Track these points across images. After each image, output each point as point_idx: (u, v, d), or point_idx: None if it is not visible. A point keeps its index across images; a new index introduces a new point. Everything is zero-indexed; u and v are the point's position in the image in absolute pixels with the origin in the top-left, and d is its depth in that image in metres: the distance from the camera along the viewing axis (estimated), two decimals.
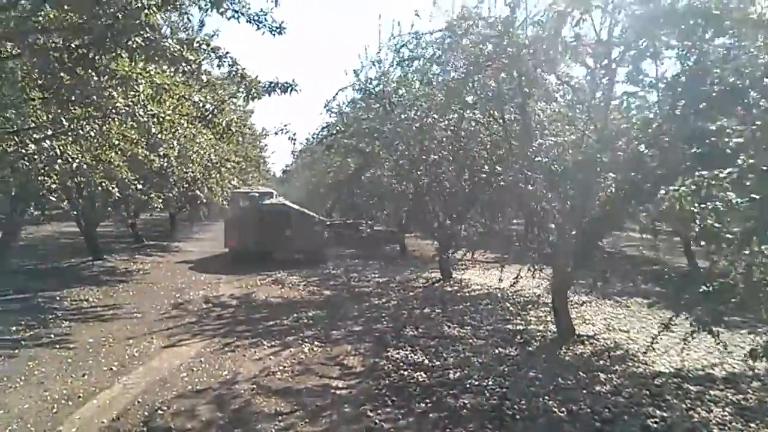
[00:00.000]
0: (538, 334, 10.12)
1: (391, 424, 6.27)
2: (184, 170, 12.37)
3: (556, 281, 9.71)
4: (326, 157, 16.73)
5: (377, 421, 6.30)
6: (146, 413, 6.43)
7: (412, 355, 8.77)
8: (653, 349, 7.81)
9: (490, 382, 7.54)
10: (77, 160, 6.47)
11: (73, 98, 5.49)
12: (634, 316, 12.01)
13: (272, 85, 6.10)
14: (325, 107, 16.03)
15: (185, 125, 7.57)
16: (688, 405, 6.78)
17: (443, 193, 13.98)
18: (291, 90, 6.25)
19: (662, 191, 3.82)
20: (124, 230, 26.13)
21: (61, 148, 5.97)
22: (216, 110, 6.40)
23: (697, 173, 3.57)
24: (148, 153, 9.21)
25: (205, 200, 21.02)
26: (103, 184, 7.45)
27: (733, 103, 7.47)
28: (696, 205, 3.51)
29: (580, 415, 6.48)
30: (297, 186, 41.50)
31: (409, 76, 14.32)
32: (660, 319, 11.70)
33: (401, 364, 8.32)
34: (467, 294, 14.01)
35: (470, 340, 9.67)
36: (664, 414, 6.48)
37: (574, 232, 9.08)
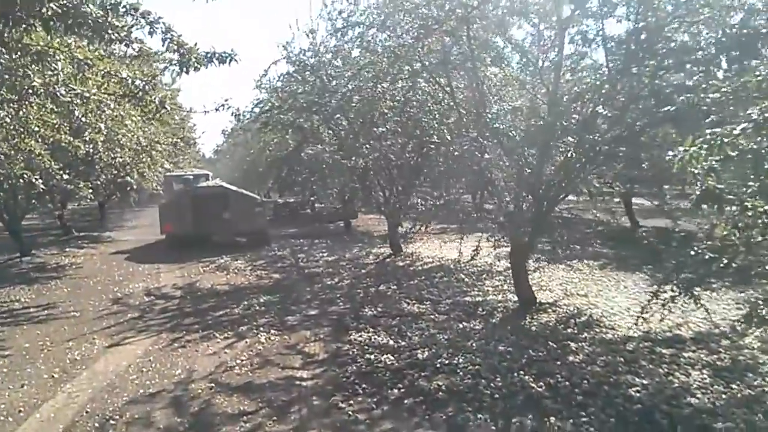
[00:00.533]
0: (499, 304, 9.93)
1: (365, 414, 5.88)
2: (112, 156, 11.51)
3: (514, 249, 9.50)
4: (263, 135, 16.01)
5: (350, 412, 5.90)
6: (97, 424, 5.83)
7: (376, 336, 8.40)
8: (643, 319, 7.60)
9: (461, 360, 7.26)
10: None
11: None
12: (588, 279, 12.04)
13: (210, 55, 5.50)
14: (257, 83, 15.34)
15: (112, 106, 6.84)
16: (665, 370, 6.67)
17: (389, 166, 13.61)
18: (230, 60, 5.66)
19: (671, 153, 3.53)
20: (50, 222, 24.72)
21: None
22: (147, 86, 5.73)
23: (708, 132, 3.28)
24: (72, 139, 8.41)
25: (135, 186, 19.99)
26: (25, 175, 6.62)
27: (685, 62, 7.37)
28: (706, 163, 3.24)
29: (559, 389, 6.26)
30: (230, 166, 40.44)
31: (346, 46, 13.81)
32: (615, 280, 11.88)
33: (366, 347, 7.94)
34: (420, 268, 13.75)
35: (432, 316, 9.39)
36: (644, 381, 6.33)
37: (530, 199, 8.89)
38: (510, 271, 12.62)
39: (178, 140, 18.39)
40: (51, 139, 7.84)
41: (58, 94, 4.44)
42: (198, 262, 15.67)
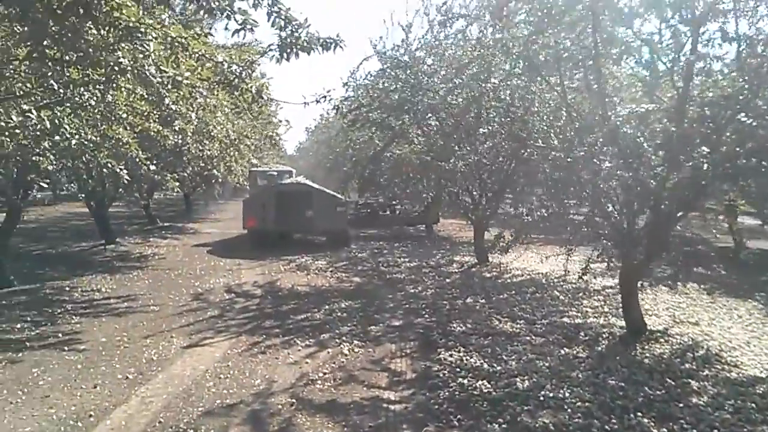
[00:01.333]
0: (602, 329, 9.00)
1: None
2: (200, 148, 11.23)
3: (626, 270, 8.54)
4: (351, 133, 15.55)
5: None
6: None
7: (468, 357, 7.67)
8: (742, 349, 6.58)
9: (567, 394, 6.45)
10: (77, 137, 5.29)
11: (67, 57, 4.33)
12: (697, 305, 10.89)
13: (315, 39, 4.92)
14: (348, 79, 14.90)
15: (204, 93, 6.41)
16: None
17: (482, 169, 12.84)
18: (335, 47, 5.09)
19: None
20: (136, 210, 25.19)
21: (57, 120, 4.83)
22: (244, 73, 5.24)
23: None
24: (161, 128, 8.10)
25: (220, 179, 19.97)
26: (110, 164, 6.27)
27: None
28: None
29: None
30: (312, 164, 40.44)
31: (444, 42, 13.15)
32: (726, 308, 10.71)
33: (457, 369, 7.23)
34: (509, 281, 12.89)
35: (527, 338, 8.57)
36: None
37: (649, 215, 7.93)
38: (609, 291, 11.78)
39: (269, 135, 17.99)
40: (139, 128, 7.55)
41: (149, 74, 3.96)
42: (278, 260, 15.36)
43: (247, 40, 5.53)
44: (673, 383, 6.81)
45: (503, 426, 5.66)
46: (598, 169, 7.22)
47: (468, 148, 11.20)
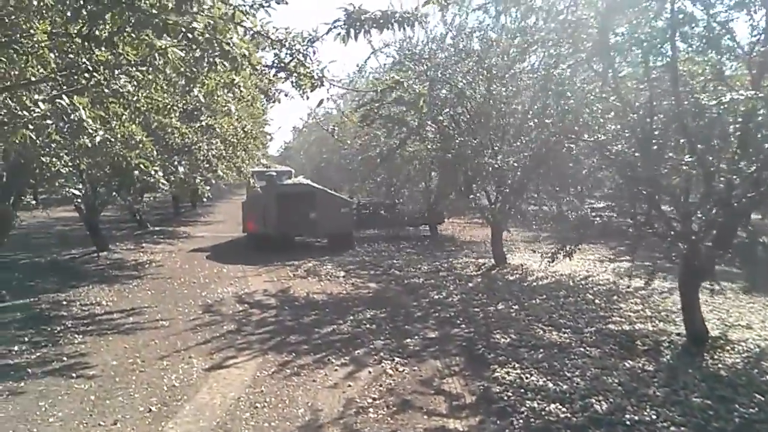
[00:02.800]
0: (658, 337, 8.30)
1: None
2: (207, 147, 10.33)
3: (688, 272, 7.81)
4: (360, 130, 14.69)
5: None
6: None
7: (527, 375, 6.90)
8: None
9: (654, 416, 5.75)
10: (101, 132, 4.38)
11: (96, 33, 3.46)
12: (738, 305, 10.25)
13: (391, 14, 4.11)
14: (357, 71, 14.08)
15: (246, 81, 5.47)
16: None
17: (507, 167, 12.09)
18: (414, 22, 4.27)
19: None
20: (121, 214, 24.05)
21: (80, 112, 3.94)
22: (305, 53, 4.40)
23: None
24: (179, 124, 7.24)
25: (214, 181, 18.97)
26: (142, 165, 5.32)
27: None
28: None
29: None
30: (302, 163, 39.45)
31: (462, 34, 12.43)
32: None
33: (520, 389, 6.46)
34: (535, 284, 12.15)
35: (581, 349, 7.84)
36: None
37: (718, 212, 7.21)
38: (642, 293, 11.09)
39: (267, 133, 16.90)
40: (155, 124, 6.67)
41: (198, 37, 3.08)
42: (284, 265, 14.49)
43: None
44: (762, 399, 6.14)
45: None
46: (670, 166, 6.48)
47: (496, 146, 10.41)
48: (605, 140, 7.85)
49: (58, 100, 3.38)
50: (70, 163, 5.55)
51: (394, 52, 13.61)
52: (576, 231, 7.60)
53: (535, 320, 9.26)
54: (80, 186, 5.36)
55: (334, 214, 16.86)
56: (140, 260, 15.18)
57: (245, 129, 11.02)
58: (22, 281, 12.23)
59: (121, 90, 4.35)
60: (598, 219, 6.87)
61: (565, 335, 8.50)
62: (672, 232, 7.28)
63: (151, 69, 4.02)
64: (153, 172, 4.86)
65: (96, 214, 15.56)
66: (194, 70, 4.12)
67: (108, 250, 16.03)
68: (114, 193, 14.91)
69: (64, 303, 10.40)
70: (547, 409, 5.95)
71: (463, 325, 9.12)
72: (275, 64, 4.23)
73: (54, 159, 5.29)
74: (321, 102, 4.69)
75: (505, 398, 6.25)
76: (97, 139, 4.04)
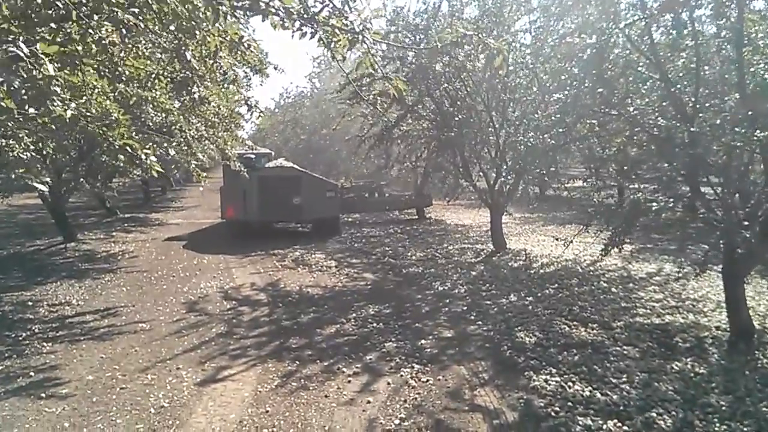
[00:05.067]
0: (698, 332, 7.54)
1: None
2: (188, 126, 9.23)
3: (733, 261, 7.01)
4: (350, 108, 13.65)
5: None
6: None
7: (568, 383, 6.07)
8: None
9: (723, 428, 4.95)
10: (72, 105, 3.36)
11: None
12: (756, 291, 9.55)
13: None
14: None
15: (224, 53, 4.53)
16: None
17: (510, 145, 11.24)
18: None
19: None
20: (87, 201, 22.71)
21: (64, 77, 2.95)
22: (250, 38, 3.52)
23: None
24: (161, 99, 6.18)
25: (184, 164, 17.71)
26: (129, 148, 4.17)
27: None
28: None
29: None
30: (278, 145, 38.10)
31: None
32: None
33: (568, 403, 5.62)
34: (543, 271, 11.35)
35: (617, 348, 7.05)
36: None
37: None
38: (657, 279, 10.40)
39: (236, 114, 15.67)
40: (134, 99, 5.60)
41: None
42: (269, 255, 13.49)
43: None
44: None
45: None
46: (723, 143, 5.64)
47: (496, 124, 9.49)
48: (641, 113, 7.01)
49: (10, 48, 2.37)
50: (32, 147, 4.45)
51: (384, 23, 12.58)
52: (625, 219, 6.73)
53: (556, 314, 8.45)
54: (46, 178, 4.32)
55: (319, 198, 15.84)
56: (112, 251, 14.00)
57: (229, 106, 9.90)
58: None
59: (103, 41, 3.29)
60: (654, 205, 6.00)
61: (594, 331, 7.70)
62: (720, 220, 6.47)
63: (142, 13, 2.99)
64: (144, 156, 3.81)
65: (62, 201, 14.33)
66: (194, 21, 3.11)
67: (76, 241, 14.83)
68: (81, 179, 13.67)
69: (30, 303, 9.27)
70: (605, 427, 5.12)
71: (480, 322, 8.27)
72: (299, 14, 3.23)
73: (11, 141, 4.21)
74: (359, 65, 3.67)
75: (553, 414, 5.41)
76: (68, 113, 3.04)
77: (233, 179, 15.15)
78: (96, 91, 4.84)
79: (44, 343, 7.41)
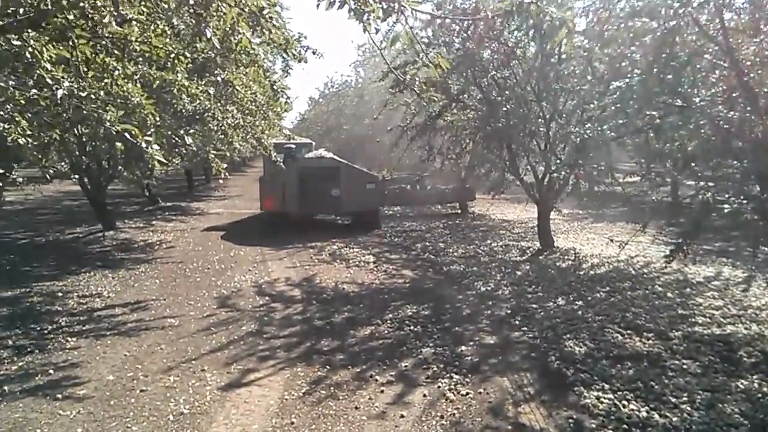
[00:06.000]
0: (766, 346, 6.85)
1: None
2: (223, 115, 8.90)
3: None
4: (393, 98, 13.15)
5: None
6: None
7: (622, 401, 5.50)
8: None
9: None
10: (65, 84, 3.01)
11: None
12: None
13: None
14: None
15: (244, 29, 4.06)
16: None
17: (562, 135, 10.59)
18: None
19: None
20: (133, 188, 22.75)
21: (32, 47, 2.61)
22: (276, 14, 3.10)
23: None
24: (187, 84, 5.81)
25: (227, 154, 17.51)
26: (128, 134, 3.72)
27: None
28: None
29: None
30: (320, 135, 37.90)
31: None
32: None
33: (623, 425, 5.06)
34: (592, 272, 10.70)
35: (675, 361, 6.43)
36: None
37: None
38: (715, 284, 9.67)
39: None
40: (156, 83, 5.24)
41: None
42: (306, 247, 13.14)
43: None
44: None
45: None
46: None
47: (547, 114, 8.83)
48: (708, 103, 6.35)
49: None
50: (29, 132, 4.09)
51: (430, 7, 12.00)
52: (693, 222, 6.11)
53: (608, 321, 7.84)
54: (66, 161, 4.01)
55: (359, 190, 15.42)
56: (149, 240, 13.86)
57: (266, 93, 9.47)
58: (17, 265, 10.98)
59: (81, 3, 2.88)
60: (726, 206, 5.38)
61: (649, 342, 7.07)
62: None
63: None
64: (145, 144, 3.39)
65: (101, 189, 14.23)
66: None
67: (115, 229, 14.76)
68: (120, 167, 13.52)
69: (60, 294, 9.08)
70: None
71: (525, 328, 7.71)
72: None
73: (9, 125, 3.87)
74: (395, 40, 3.20)
75: None
76: (59, 92, 2.66)
77: (272, 170, 14.86)
78: (117, 73, 4.47)
79: (69, 338, 7.16)
